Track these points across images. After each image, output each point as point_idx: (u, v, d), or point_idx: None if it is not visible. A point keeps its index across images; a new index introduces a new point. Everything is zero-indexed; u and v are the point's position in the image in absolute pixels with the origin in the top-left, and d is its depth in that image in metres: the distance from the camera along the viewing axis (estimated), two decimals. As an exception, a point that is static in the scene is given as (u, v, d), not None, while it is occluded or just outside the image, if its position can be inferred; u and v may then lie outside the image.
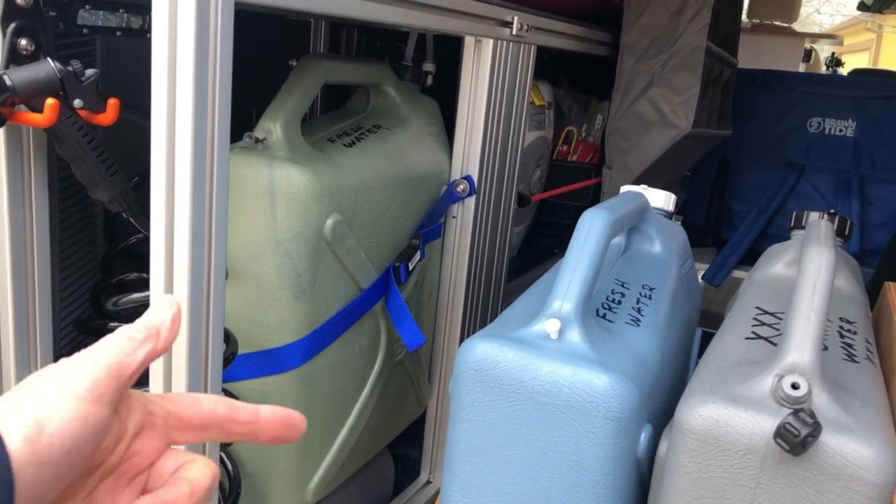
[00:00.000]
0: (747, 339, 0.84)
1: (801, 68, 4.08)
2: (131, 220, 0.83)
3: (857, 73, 4.44)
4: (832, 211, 1.17)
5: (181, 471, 0.36)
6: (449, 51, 1.31)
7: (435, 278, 1.33)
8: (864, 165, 2.15)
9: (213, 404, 0.37)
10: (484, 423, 0.79)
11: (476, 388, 0.78)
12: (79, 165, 0.77)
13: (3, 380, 0.83)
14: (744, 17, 3.50)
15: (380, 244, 1.14)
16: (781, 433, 0.65)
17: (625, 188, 1.17)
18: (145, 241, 0.73)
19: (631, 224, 1.01)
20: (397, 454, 1.46)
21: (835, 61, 5.82)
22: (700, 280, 2.01)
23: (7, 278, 0.80)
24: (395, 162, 1.16)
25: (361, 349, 1.16)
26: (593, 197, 1.92)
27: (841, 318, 0.94)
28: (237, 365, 0.99)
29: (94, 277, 1.11)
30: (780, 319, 0.88)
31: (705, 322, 1.18)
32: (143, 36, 0.88)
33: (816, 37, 5.73)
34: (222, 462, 0.99)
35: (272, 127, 0.99)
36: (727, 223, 2.29)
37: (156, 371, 0.75)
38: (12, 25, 0.72)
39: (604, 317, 0.85)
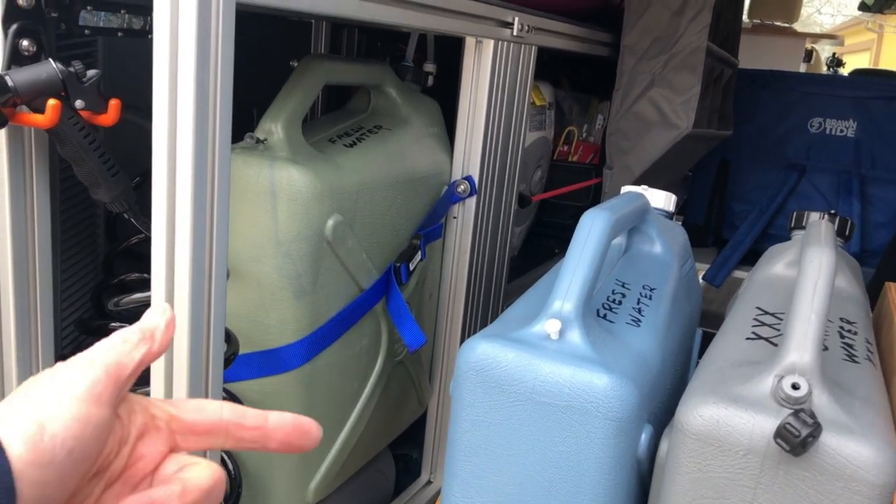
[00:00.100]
0: (748, 339, 0.84)
1: (802, 68, 4.08)
2: (132, 220, 0.83)
3: (858, 74, 4.44)
4: (833, 211, 1.17)
5: (180, 472, 0.35)
6: (450, 51, 1.31)
7: (436, 278, 1.33)
8: (864, 166, 2.15)
9: (218, 409, 0.37)
10: (485, 424, 0.79)
11: (477, 388, 0.78)
12: (80, 166, 0.77)
13: (5, 380, 0.83)
14: (744, 17, 3.50)
15: (381, 244, 1.14)
16: (782, 433, 0.65)
17: (625, 188, 1.18)
18: (146, 242, 0.73)
19: (631, 224, 1.01)
20: (398, 454, 1.46)
21: (836, 61, 5.81)
22: (701, 280, 2.01)
23: (9, 279, 0.80)
24: (395, 162, 1.16)
25: (362, 349, 1.16)
26: (594, 197, 1.92)
27: (841, 319, 0.94)
28: (238, 365, 0.99)
29: (96, 278, 1.11)
30: (781, 320, 0.88)
31: (706, 322, 1.19)
32: (144, 37, 0.88)
33: (817, 37, 5.72)
34: (223, 462, 1.00)
35: (273, 127, 0.99)
36: (728, 223, 2.29)
37: (157, 371, 0.75)
38: (14, 26, 0.72)
39: (604, 317, 0.86)
